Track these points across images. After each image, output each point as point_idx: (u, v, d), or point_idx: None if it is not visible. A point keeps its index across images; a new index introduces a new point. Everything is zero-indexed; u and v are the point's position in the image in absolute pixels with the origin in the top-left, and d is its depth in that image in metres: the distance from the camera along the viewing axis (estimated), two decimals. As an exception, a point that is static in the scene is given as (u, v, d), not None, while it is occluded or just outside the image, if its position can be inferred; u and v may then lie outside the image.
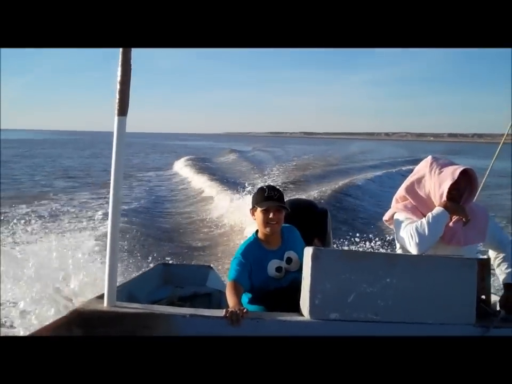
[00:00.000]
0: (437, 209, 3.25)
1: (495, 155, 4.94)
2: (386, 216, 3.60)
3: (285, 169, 29.97)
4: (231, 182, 21.89)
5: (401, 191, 3.52)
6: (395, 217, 3.44)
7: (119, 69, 2.75)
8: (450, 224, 3.28)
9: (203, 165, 31.92)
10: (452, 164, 3.35)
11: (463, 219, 3.24)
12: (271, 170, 29.68)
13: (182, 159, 35.82)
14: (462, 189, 3.30)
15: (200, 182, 23.04)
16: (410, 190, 3.45)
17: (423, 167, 3.41)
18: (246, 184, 16.83)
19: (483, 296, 3.03)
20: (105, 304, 2.92)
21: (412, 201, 3.42)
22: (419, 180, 3.40)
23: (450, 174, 3.22)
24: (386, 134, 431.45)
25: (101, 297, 3.01)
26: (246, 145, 74.98)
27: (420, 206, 3.38)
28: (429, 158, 3.43)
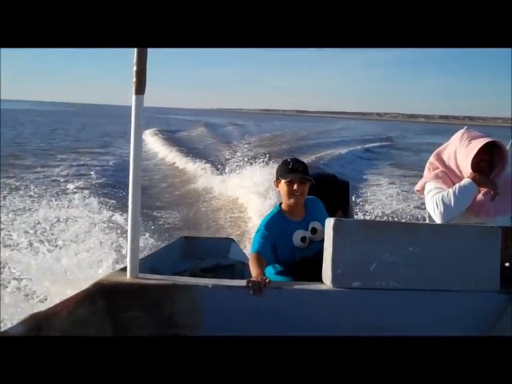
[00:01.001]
0: (465, 181, 3.22)
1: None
2: (418, 186, 3.57)
3: (252, 144, 30.69)
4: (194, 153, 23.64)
5: (433, 159, 3.50)
6: (426, 186, 3.42)
7: (136, 48, 2.80)
8: (479, 196, 3.25)
9: (167, 136, 33.13)
10: (483, 136, 3.29)
11: (492, 192, 3.21)
12: (238, 145, 30.52)
13: (149, 130, 36.80)
14: (493, 162, 3.27)
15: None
16: (442, 159, 3.43)
17: (455, 138, 3.36)
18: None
19: (507, 264, 3.01)
20: (128, 276, 2.95)
21: (444, 170, 3.40)
22: (450, 150, 3.37)
23: (475, 146, 3.19)
24: (378, 114, 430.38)
25: (124, 269, 3.03)
26: (233, 120, 77.78)
27: (451, 175, 3.36)
28: (463, 129, 3.38)
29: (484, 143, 3.17)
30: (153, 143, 29.43)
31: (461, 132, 3.36)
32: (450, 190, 3.20)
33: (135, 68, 2.82)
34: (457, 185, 3.22)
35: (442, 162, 3.43)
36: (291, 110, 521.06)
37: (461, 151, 3.28)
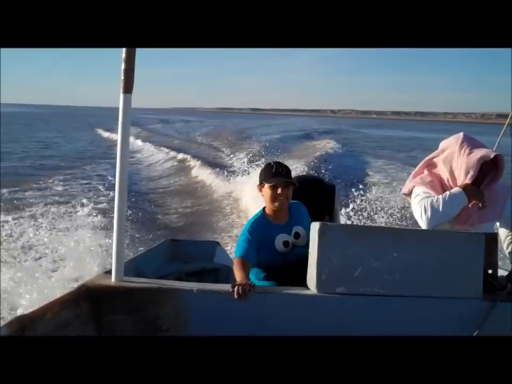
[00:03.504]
0: (456, 189, 3.22)
1: (500, 134, 4.76)
2: (405, 189, 3.55)
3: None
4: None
5: (424, 163, 3.49)
6: (414, 190, 3.41)
7: (124, 48, 2.79)
8: (467, 207, 3.23)
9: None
10: (483, 146, 3.29)
11: (480, 204, 3.21)
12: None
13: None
14: (486, 173, 3.26)
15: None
16: (435, 164, 3.42)
17: (453, 143, 3.33)
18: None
19: (490, 271, 3.02)
20: (113, 279, 2.95)
21: (434, 175, 3.39)
22: (447, 155, 3.34)
23: (479, 158, 3.17)
24: (332, 111, 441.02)
25: (109, 272, 3.03)
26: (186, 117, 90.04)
27: (441, 181, 3.35)
28: (461, 135, 3.35)
29: (490, 157, 3.15)
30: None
31: (459, 137, 3.32)
32: (440, 197, 3.20)
33: (123, 67, 2.82)
34: (447, 192, 3.22)
35: (435, 165, 3.42)
36: (247, 108, 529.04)
37: (460, 159, 3.24)
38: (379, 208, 11.30)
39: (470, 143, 3.28)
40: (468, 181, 3.20)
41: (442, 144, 3.42)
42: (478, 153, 3.20)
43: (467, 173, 3.20)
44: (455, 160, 3.29)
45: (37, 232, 8.74)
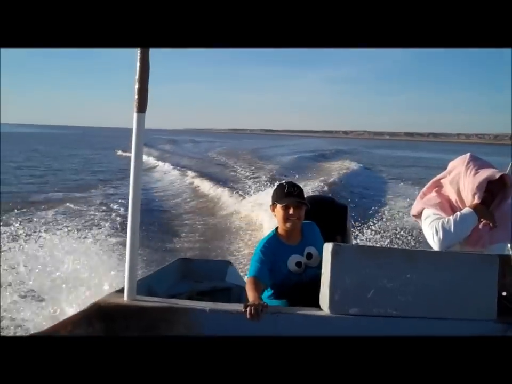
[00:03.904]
0: (466, 210, 3.21)
1: None
2: (414, 211, 3.55)
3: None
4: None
5: (432, 184, 3.49)
6: (424, 212, 3.40)
7: (138, 66, 2.83)
8: (478, 227, 3.23)
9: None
10: (489, 166, 3.29)
11: (490, 224, 3.20)
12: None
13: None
14: (494, 193, 3.26)
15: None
16: (442, 184, 3.42)
17: (459, 164, 3.33)
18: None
19: (504, 293, 3.00)
20: (125, 298, 2.95)
21: (443, 196, 3.38)
22: (454, 176, 3.34)
23: (485, 179, 3.17)
24: (345, 132, 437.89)
25: (121, 291, 3.04)
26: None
27: (450, 202, 3.35)
28: (467, 155, 3.35)
29: (495, 177, 3.16)
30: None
31: (466, 158, 3.32)
32: (451, 218, 3.19)
33: (136, 86, 2.86)
34: (458, 213, 3.21)
35: (440, 189, 3.42)
36: (259, 129, 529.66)
37: (467, 179, 3.24)
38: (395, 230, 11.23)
39: (476, 163, 3.29)
40: (476, 201, 3.20)
41: (450, 165, 3.42)
42: (484, 173, 3.20)
43: (474, 193, 3.20)
44: (461, 180, 3.29)
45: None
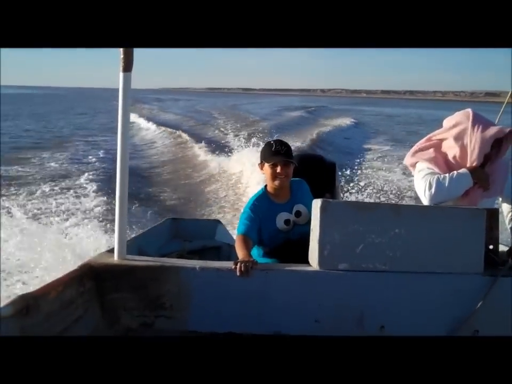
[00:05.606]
0: (463, 171, 3.22)
1: (499, 114, 4.74)
2: (408, 162, 3.54)
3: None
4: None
5: (428, 139, 3.47)
6: (418, 165, 3.41)
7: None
8: (471, 189, 3.25)
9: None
10: (493, 123, 3.31)
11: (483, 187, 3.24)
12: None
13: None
14: (497, 150, 3.27)
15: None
16: (441, 140, 3.40)
17: (463, 120, 3.30)
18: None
19: (491, 246, 3.04)
20: (115, 258, 2.96)
21: (439, 152, 3.38)
22: (459, 132, 3.30)
23: (493, 135, 3.19)
24: (322, 91, 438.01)
25: (111, 251, 3.05)
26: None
27: (445, 158, 3.35)
28: (469, 111, 3.33)
29: (504, 133, 3.18)
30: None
31: (469, 114, 3.30)
32: (447, 175, 3.20)
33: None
34: (455, 172, 3.22)
35: (437, 144, 3.41)
36: (236, 88, 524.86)
37: (474, 136, 3.22)
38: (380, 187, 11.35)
39: (482, 119, 3.29)
40: (479, 157, 3.21)
41: (450, 121, 3.38)
42: (492, 130, 3.21)
43: (481, 148, 3.20)
44: (467, 136, 3.26)
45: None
